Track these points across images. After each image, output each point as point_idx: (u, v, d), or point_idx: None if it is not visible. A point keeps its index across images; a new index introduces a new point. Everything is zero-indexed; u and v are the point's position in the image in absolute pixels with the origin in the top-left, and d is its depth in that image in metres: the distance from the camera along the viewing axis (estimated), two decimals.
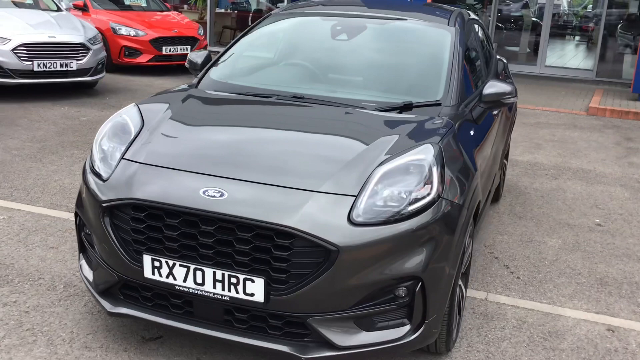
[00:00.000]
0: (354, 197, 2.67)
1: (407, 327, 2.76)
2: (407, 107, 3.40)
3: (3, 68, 8.38)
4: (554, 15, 15.06)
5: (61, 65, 8.76)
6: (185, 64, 4.14)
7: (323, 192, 2.68)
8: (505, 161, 5.83)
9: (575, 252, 4.76)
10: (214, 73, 3.91)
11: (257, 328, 2.74)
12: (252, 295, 2.62)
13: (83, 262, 3.19)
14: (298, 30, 4.32)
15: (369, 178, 2.74)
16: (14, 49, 8.39)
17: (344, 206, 2.64)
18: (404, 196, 2.71)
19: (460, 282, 3.30)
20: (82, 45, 8.95)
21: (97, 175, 2.96)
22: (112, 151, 3.04)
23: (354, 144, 3.00)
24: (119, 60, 11.57)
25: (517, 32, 16.49)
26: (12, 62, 8.40)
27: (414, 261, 2.67)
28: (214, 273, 2.64)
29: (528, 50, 15.84)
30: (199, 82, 3.83)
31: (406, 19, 4.15)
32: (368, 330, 2.72)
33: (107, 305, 2.92)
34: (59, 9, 10.04)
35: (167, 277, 2.72)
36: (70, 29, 9.08)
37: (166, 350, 3.10)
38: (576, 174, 6.85)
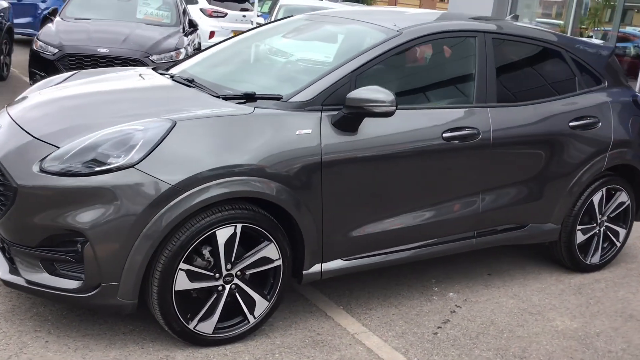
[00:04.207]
0: (57, 148, 2.94)
1: (80, 283, 2.89)
2: (250, 98, 3.33)
3: None
4: None
5: None
6: None
7: (39, 139, 3.03)
8: (611, 225, 4.58)
9: (570, 340, 3.63)
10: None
11: (4, 249, 3.22)
12: None
13: None
14: (277, 30, 4.42)
15: (89, 136, 2.96)
16: None
17: (42, 153, 2.94)
18: (101, 157, 2.87)
19: (238, 282, 3.15)
20: None
21: None
22: None
23: (133, 113, 3.16)
24: None
25: None
26: None
27: (82, 218, 2.82)
28: None
29: None
30: (169, 68, 4.33)
31: (369, 23, 3.89)
32: (50, 273, 2.96)
33: None
34: None
35: None
36: None
37: None
38: None
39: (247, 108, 3.21)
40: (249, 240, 3.17)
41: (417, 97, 3.83)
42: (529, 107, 4.05)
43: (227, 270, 3.10)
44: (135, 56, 7.98)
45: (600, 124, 4.30)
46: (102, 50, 7.92)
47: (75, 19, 9.06)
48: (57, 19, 9.14)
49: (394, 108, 3.24)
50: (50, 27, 8.84)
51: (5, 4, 11.09)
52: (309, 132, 3.22)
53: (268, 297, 3.27)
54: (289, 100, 3.29)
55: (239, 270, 3.14)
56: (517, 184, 4.02)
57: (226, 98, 3.36)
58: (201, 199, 2.91)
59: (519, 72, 4.24)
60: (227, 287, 3.13)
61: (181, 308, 3.03)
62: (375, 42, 3.59)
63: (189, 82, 3.67)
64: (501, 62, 4.02)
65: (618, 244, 4.69)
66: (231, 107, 3.23)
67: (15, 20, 13.22)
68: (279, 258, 3.23)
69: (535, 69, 4.31)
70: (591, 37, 16.33)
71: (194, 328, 3.08)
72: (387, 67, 3.64)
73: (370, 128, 3.39)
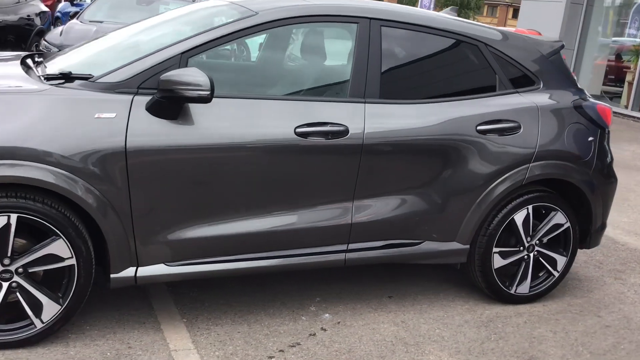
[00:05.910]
0: None
1: None
2: (67, 78, 3.01)
3: None
4: None
5: None
6: None
7: None
8: (545, 251, 3.90)
9: None
10: None
11: None
12: None
13: None
14: (163, 17, 4.07)
15: None
16: None
17: None
18: None
19: (19, 280, 2.84)
20: None
21: None
22: None
23: None
24: None
25: None
26: None
27: None
28: None
29: None
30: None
31: (238, 5, 3.48)
32: None
33: None
34: None
35: None
36: None
37: None
38: None
39: (43, 86, 2.90)
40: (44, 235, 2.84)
41: (271, 86, 3.38)
42: (422, 106, 3.49)
43: (3, 265, 2.78)
44: None
45: (521, 130, 3.67)
46: None
47: (90, 21, 9.14)
48: (73, 20, 9.27)
49: (208, 93, 2.83)
50: (58, 29, 8.98)
51: (42, 8, 11.41)
52: (112, 117, 2.86)
53: (61, 300, 2.92)
54: (97, 81, 2.95)
55: (20, 267, 2.81)
56: (403, 193, 3.47)
57: (48, 78, 3.06)
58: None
59: (417, 66, 3.67)
60: (5, 285, 2.81)
61: None
62: (222, 23, 3.19)
63: (35, 66, 3.41)
64: (393, 54, 3.51)
65: (556, 274, 3.99)
66: (32, 86, 2.93)
67: None
68: (72, 257, 2.87)
69: (439, 65, 3.73)
70: None
71: None
72: (238, 50, 3.23)
73: (199, 117, 3.00)
